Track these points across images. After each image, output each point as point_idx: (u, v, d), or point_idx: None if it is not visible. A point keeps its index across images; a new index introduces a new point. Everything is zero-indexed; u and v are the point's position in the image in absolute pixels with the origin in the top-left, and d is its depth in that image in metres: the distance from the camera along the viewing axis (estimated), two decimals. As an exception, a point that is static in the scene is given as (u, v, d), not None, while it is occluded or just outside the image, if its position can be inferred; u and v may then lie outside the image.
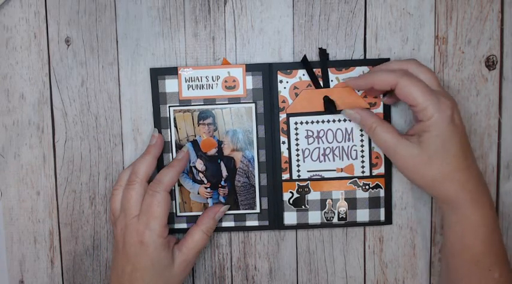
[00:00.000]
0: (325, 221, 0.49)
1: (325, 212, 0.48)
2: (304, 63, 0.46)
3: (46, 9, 0.47)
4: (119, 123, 0.48)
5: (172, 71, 0.47)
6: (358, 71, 0.47)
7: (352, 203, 0.48)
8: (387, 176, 0.48)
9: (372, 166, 0.48)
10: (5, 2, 0.47)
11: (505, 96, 0.48)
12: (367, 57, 0.47)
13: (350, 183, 0.48)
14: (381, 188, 0.48)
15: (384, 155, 0.47)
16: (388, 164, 0.48)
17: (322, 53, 0.47)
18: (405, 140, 0.42)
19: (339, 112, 0.47)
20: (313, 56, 0.48)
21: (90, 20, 0.47)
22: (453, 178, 0.41)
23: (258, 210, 0.49)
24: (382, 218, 0.49)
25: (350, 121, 0.47)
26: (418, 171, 0.42)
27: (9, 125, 0.48)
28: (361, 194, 0.48)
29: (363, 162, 0.48)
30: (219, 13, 0.47)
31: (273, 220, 0.49)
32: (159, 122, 0.47)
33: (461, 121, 0.42)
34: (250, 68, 0.47)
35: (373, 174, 0.48)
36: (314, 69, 0.47)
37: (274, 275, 0.50)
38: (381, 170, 0.48)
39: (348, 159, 0.48)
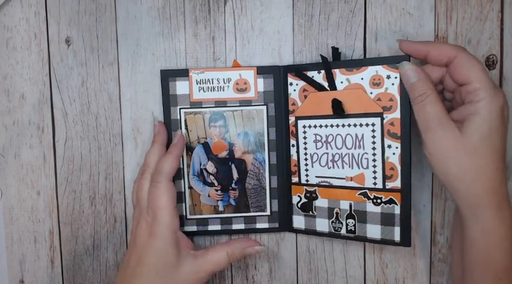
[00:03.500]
0: (333, 231, 0.47)
1: (332, 221, 0.47)
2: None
3: (46, 10, 0.48)
4: (119, 123, 0.49)
5: (183, 73, 0.47)
6: (371, 70, 0.43)
7: (361, 216, 0.45)
8: (405, 191, 0.43)
9: (385, 178, 0.44)
10: (5, 2, 0.47)
11: (505, 96, 0.48)
12: (367, 57, 0.47)
13: (359, 194, 0.45)
14: (396, 204, 0.43)
15: (401, 166, 0.43)
16: (406, 177, 0.43)
17: (334, 51, 0.45)
18: (451, 120, 0.38)
19: (347, 115, 0.44)
20: (313, 56, 0.48)
21: (90, 20, 0.48)
22: (490, 175, 0.37)
23: (268, 212, 0.48)
24: (397, 238, 0.44)
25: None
26: (453, 159, 0.37)
27: (9, 125, 0.48)
28: (371, 208, 0.44)
29: (374, 172, 0.44)
30: (219, 13, 0.47)
31: (283, 222, 0.48)
32: (170, 124, 0.47)
33: (508, 118, 0.38)
34: (262, 70, 0.47)
35: (387, 187, 0.44)
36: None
37: (274, 275, 0.50)
38: (397, 183, 0.43)
39: (359, 168, 0.44)
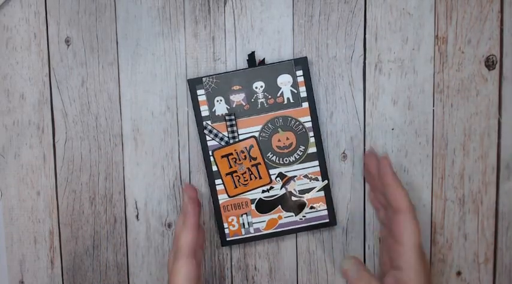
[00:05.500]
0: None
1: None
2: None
3: (46, 10, 0.48)
4: (119, 123, 0.49)
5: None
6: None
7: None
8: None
9: None
10: (5, 2, 0.47)
11: (504, 96, 0.48)
12: (367, 57, 0.47)
13: None
14: None
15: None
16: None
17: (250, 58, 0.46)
18: None
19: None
20: (313, 56, 0.48)
21: (90, 20, 0.48)
22: None
23: None
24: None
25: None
26: None
27: (9, 125, 0.48)
28: None
29: None
30: (219, 13, 0.47)
31: None
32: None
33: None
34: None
35: None
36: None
37: (274, 275, 0.50)
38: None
39: None
